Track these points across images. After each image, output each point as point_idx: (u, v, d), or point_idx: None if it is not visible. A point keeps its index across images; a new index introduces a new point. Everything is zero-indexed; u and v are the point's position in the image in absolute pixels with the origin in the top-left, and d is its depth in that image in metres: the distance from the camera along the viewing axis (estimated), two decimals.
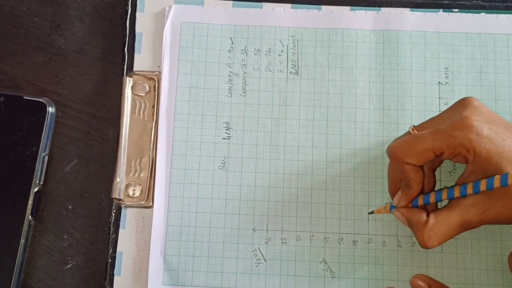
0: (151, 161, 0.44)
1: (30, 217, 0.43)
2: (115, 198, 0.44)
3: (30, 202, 0.43)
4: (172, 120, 0.45)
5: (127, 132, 0.45)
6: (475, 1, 0.47)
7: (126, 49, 0.46)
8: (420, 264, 0.43)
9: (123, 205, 0.44)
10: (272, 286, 0.43)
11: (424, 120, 0.39)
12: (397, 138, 0.39)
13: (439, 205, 0.39)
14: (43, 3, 0.47)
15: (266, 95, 0.46)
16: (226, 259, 0.43)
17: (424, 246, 0.36)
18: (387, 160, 0.44)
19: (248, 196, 0.44)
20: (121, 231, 0.44)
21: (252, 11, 0.47)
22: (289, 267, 0.43)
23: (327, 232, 0.43)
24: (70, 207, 0.44)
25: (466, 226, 0.36)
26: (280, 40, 0.47)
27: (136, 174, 0.44)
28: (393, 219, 0.43)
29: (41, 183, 0.44)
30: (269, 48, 0.46)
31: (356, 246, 0.43)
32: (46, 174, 0.44)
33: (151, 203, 0.44)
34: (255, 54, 0.46)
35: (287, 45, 0.46)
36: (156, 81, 0.46)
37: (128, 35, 0.46)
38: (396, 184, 0.39)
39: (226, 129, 0.45)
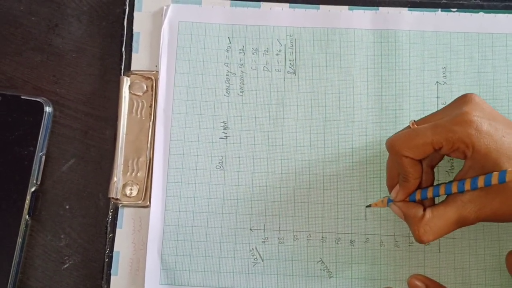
0: (148, 161, 0.44)
1: (27, 216, 0.43)
2: (112, 198, 0.44)
3: (27, 201, 0.43)
4: (169, 119, 0.45)
5: (125, 132, 0.45)
6: (473, 1, 0.47)
7: (123, 49, 0.46)
8: (417, 264, 0.42)
9: (120, 205, 0.44)
10: (269, 286, 0.43)
11: None
12: (397, 132, 0.39)
13: (437, 200, 0.39)
14: (41, 3, 0.47)
15: (263, 94, 0.46)
16: (223, 258, 0.43)
17: (420, 240, 0.36)
18: (385, 160, 0.44)
19: (245, 196, 0.44)
20: (118, 230, 0.43)
21: (250, 10, 0.47)
22: (286, 266, 0.43)
23: (324, 232, 0.43)
24: (67, 207, 0.44)
25: (462, 222, 0.36)
26: (278, 40, 0.46)
27: (133, 174, 0.44)
28: (390, 218, 0.43)
29: (38, 182, 0.44)
30: (267, 48, 0.46)
31: (353, 246, 0.43)
32: (43, 173, 0.44)
33: (148, 202, 0.44)
34: (253, 54, 0.46)
35: (285, 45, 0.46)
36: (154, 81, 0.46)
37: (126, 34, 0.46)
38: (394, 178, 0.39)
39: (223, 129, 0.45)
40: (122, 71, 0.46)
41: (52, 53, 0.47)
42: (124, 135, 0.45)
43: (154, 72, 0.46)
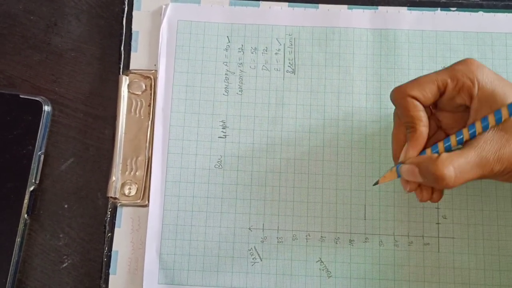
0: (147, 160, 0.44)
1: (26, 216, 0.43)
2: (111, 197, 0.43)
3: (26, 201, 0.43)
4: (168, 118, 0.45)
5: (123, 131, 0.45)
6: (473, 0, 0.47)
7: (122, 48, 0.46)
8: (416, 263, 0.42)
9: (119, 204, 0.44)
10: (268, 286, 0.42)
11: None
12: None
13: None
14: (40, 2, 0.47)
15: (262, 93, 0.46)
16: (222, 258, 0.43)
17: (441, 175, 0.33)
18: (384, 160, 0.44)
19: (244, 195, 0.44)
20: (116, 230, 0.43)
21: (249, 9, 0.47)
22: (285, 266, 0.43)
23: (323, 232, 0.43)
24: (66, 206, 0.44)
25: (484, 166, 0.34)
26: (277, 39, 0.46)
27: (132, 173, 0.44)
28: (390, 218, 0.43)
29: (37, 181, 0.44)
30: (266, 47, 0.46)
31: (352, 245, 0.43)
32: (42, 172, 0.44)
33: (146, 202, 0.44)
34: (252, 53, 0.46)
35: (284, 44, 0.46)
36: (153, 80, 0.45)
37: (125, 33, 0.46)
38: (400, 144, 0.38)
39: (222, 128, 0.45)
40: (121, 70, 0.46)
41: (51, 52, 0.47)
42: (123, 134, 0.44)
43: (153, 71, 0.46)
